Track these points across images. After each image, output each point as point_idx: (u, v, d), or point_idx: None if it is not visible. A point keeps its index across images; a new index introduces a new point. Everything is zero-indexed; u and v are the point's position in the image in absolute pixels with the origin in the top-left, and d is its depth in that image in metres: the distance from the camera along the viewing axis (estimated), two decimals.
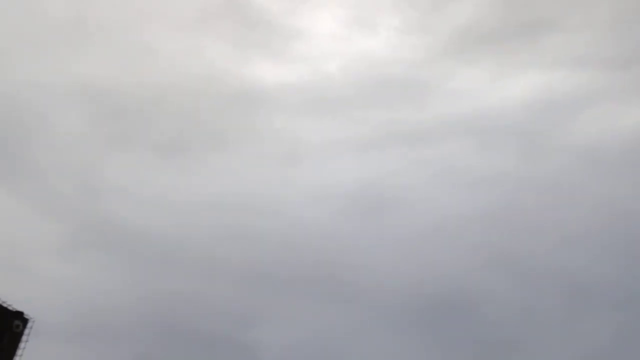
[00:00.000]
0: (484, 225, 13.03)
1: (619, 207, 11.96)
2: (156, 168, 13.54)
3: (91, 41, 14.59)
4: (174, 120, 14.33)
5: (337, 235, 12.96)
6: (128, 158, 13.61)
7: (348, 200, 13.81)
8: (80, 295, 10.68)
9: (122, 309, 10.95)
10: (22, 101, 14.24)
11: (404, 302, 11.69)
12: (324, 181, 14.23)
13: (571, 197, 12.86)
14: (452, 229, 13.12)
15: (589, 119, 13.35)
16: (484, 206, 13.31)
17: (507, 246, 12.52)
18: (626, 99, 12.83)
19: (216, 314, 11.64)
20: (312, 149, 14.39)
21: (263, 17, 14.92)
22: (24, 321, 7.84)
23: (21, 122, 14.22)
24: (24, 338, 7.77)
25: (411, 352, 11.48)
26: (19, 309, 7.66)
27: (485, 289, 11.82)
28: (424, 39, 14.34)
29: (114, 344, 9.83)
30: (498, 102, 13.97)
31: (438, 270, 12.38)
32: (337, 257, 12.59)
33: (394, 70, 14.97)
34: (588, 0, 13.48)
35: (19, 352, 7.60)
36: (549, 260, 12.24)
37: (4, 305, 7.52)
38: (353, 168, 14.28)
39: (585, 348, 10.57)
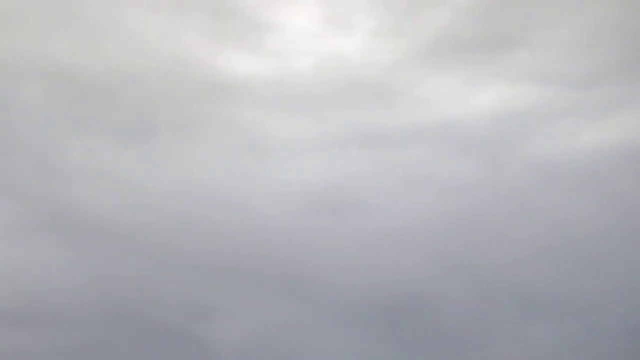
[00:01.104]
0: (445, 232, 12.94)
1: (578, 224, 12.05)
2: (118, 153, 12.78)
3: (58, 17, 13.76)
4: (140, 105, 13.60)
5: (299, 232, 12.55)
6: (90, 141, 12.80)
7: (312, 198, 13.40)
8: (30, 279, 10.11)
9: (74, 294, 10.44)
10: None
11: (362, 303, 11.51)
12: (288, 177, 13.73)
13: (531, 210, 12.93)
14: (413, 234, 12.96)
15: (553, 134, 13.43)
16: (446, 213, 13.22)
17: (467, 255, 12.48)
18: (591, 117, 12.88)
19: (171, 305, 11.22)
20: (279, 145, 13.87)
21: (239, 7, 14.42)
22: None
23: None
24: None
25: (365, 352, 11.41)
26: None
27: (442, 295, 11.78)
28: (397, 44, 14.11)
29: (63, 329, 9.36)
30: (466, 111, 13.85)
31: (397, 274, 12.24)
32: (298, 255, 12.23)
33: (365, 72, 14.65)
34: (559, 19, 13.56)
35: None
36: (505, 272, 12.28)
37: None
38: (319, 166, 13.84)
39: (533, 355, 10.75)
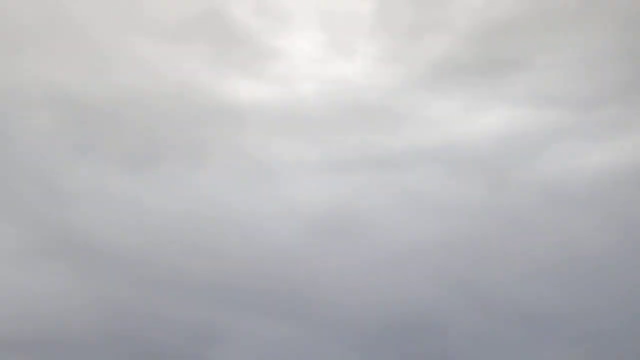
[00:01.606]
0: (449, 252, 13.04)
1: (581, 243, 12.13)
2: (125, 178, 12.93)
3: (65, 44, 14.05)
4: (146, 130, 13.82)
5: (304, 254, 12.65)
6: (97, 166, 12.98)
7: (317, 220, 13.56)
8: (37, 305, 10.09)
9: (79, 320, 10.46)
10: None
11: (368, 324, 11.50)
12: (293, 200, 13.93)
13: (534, 231, 13.03)
14: (418, 255, 13.06)
15: (555, 156, 13.58)
16: (449, 234, 13.34)
17: (470, 275, 12.56)
18: (593, 139, 13.07)
19: (177, 328, 11.25)
20: (284, 168, 14.09)
21: (242, 33, 14.73)
22: None
23: None
24: None
25: None
26: None
27: (447, 315, 11.81)
28: (400, 68, 14.40)
29: (70, 354, 9.35)
30: (468, 134, 14.08)
31: (403, 294, 12.28)
32: (304, 277, 12.31)
33: (368, 96, 14.95)
34: (561, 41, 13.83)
35: None
36: (510, 291, 12.32)
37: None
38: (323, 189, 14.04)
39: None
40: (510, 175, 12.63)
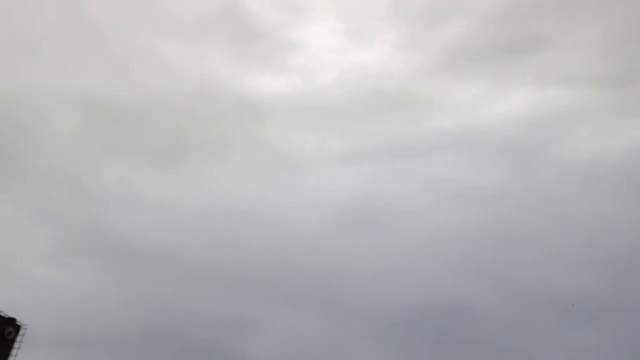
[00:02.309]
0: (474, 237, 13.15)
1: (607, 223, 12.10)
2: (151, 175, 13.56)
3: (90, 47, 14.63)
4: (169, 129, 14.41)
5: (329, 244, 13.02)
6: (124, 165, 13.63)
7: (340, 210, 13.92)
8: (73, 302, 10.67)
9: (114, 316, 10.96)
10: (19, 105, 14.24)
11: (394, 313, 11.75)
12: (317, 191, 14.32)
13: (560, 211, 12.99)
14: (443, 241, 13.23)
15: (579, 136, 13.53)
16: (474, 219, 13.42)
17: (497, 258, 12.64)
18: (616, 117, 12.97)
19: (207, 322, 11.68)
20: (306, 159, 14.49)
21: (261, 28, 15.03)
22: (17, 328, 7.85)
23: (17, 126, 14.21)
24: (16, 345, 7.79)
25: None
26: (12, 315, 7.66)
27: (473, 300, 11.91)
28: (418, 54, 14.49)
29: (105, 350, 9.85)
30: (490, 118, 14.13)
31: (428, 281, 12.45)
32: (330, 267, 12.66)
33: (388, 84, 15.12)
34: (579, 20, 13.66)
35: (10, 359, 7.60)
36: (536, 273, 12.35)
37: None
38: (346, 179, 14.39)
39: (569, 357, 10.73)
40: (536, 158, 12.11)
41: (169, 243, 12.39)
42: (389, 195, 13.55)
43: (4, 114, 13.92)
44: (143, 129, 14.16)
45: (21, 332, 7.55)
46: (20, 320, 7.45)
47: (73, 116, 14.34)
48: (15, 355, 7.40)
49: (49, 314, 9.16)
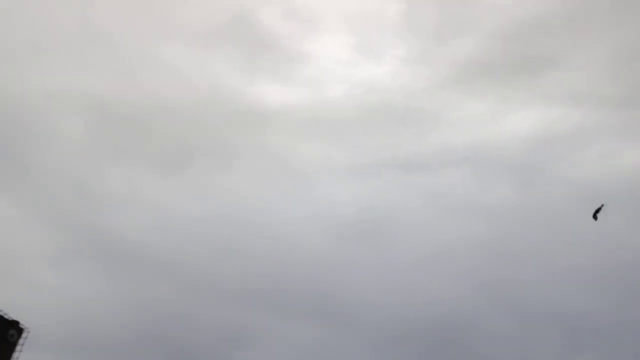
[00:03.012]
0: (477, 252, 13.12)
1: (611, 243, 12.12)
2: (156, 181, 13.51)
3: (99, 52, 14.62)
4: (176, 136, 14.37)
5: (331, 256, 12.98)
6: (129, 170, 13.57)
7: (344, 222, 13.89)
8: (75, 306, 10.57)
9: (115, 320, 10.85)
10: (26, 109, 14.15)
11: (395, 326, 11.70)
12: (321, 202, 14.28)
13: (564, 230, 13.00)
14: (446, 255, 13.19)
15: (585, 155, 13.58)
16: (478, 234, 13.42)
17: (498, 274, 12.61)
18: (622, 138, 13.05)
19: (207, 329, 11.58)
20: (312, 171, 14.47)
21: (271, 39, 15.07)
22: (19, 331, 7.77)
23: (24, 130, 14.13)
24: (18, 348, 7.70)
25: None
26: (14, 317, 7.58)
27: (474, 315, 11.87)
28: (427, 70, 14.57)
29: (106, 354, 9.75)
30: (497, 135, 14.19)
31: (430, 295, 12.41)
32: (332, 278, 12.60)
33: (396, 98, 15.17)
34: (587, 40, 13.78)
35: None
36: (538, 290, 12.32)
37: (0, 314, 7.45)
38: (351, 192, 14.37)
39: None
40: (541, 175, 12.05)
41: (172, 249, 12.36)
42: (394, 209, 13.59)
43: (12, 117, 13.87)
44: (149, 135, 14.16)
45: (24, 334, 7.47)
46: (23, 322, 7.38)
47: (80, 120, 14.32)
48: (17, 358, 7.31)
49: (51, 317, 9.08)
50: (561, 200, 13.27)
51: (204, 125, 14.19)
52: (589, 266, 11.89)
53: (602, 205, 6.99)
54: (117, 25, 14.31)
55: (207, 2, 15.00)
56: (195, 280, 12.09)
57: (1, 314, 7.20)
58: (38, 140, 13.35)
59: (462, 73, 14.39)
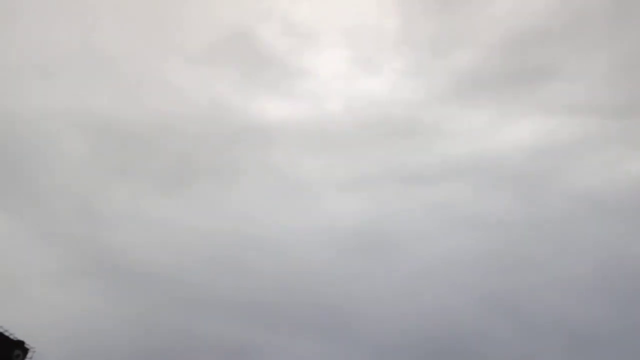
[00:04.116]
0: (479, 264, 13.08)
1: (611, 252, 12.08)
2: (157, 200, 13.53)
3: (100, 71, 14.76)
4: (177, 153, 14.44)
5: (334, 272, 12.94)
6: (130, 188, 13.63)
7: (346, 235, 13.89)
8: (79, 323, 10.55)
9: (120, 337, 10.83)
10: (29, 127, 14.26)
11: (398, 338, 11.64)
12: (323, 216, 14.29)
13: (565, 240, 12.98)
14: (449, 267, 13.18)
15: (584, 165, 13.60)
16: (479, 245, 13.41)
17: (500, 285, 12.57)
18: (620, 147, 13.07)
19: (211, 345, 11.53)
20: (313, 186, 14.51)
21: (270, 54, 15.20)
22: (24, 351, 7.77)
23: (27, 148, 14.20)
24: None
25: None
26: (19, 336, 7.58)
27: (478, 326, 11.81)
28: (425, 83, 14.66)
29: None
30: (496, 146, 14.23)
31: (433, 307, 12.37)
32: (334, 294, 12.56)
33: (395, 111, 15.24)
34: (585, 51, 13.85)
35: None
36: (541, 300, 12.27)
37: (5, 334, 7.46)
38: (353, 207, 14.36)
39: None
40: (541, 186, 12.14)
41: (175, 266, 12.35)
42: (395, 221, 13.58)
43: (15, 136, 13.97)
44: (151, 153, 14.25)
45: (29, 354, 7.46)
46: (27, 342, 7.38)
47: (82, 139, 14.42)
48: None
49: (56, 335, 9.06)
50: (562, 209, 13.32)
51: (206, 142, 14.35)
52: (589, 275, 11.89)
53: None
54: (118, 45, 14.52)
55: (206, 20, 15.20)
56: (198, 296, 12.09)
57: (7, 334, 7.21)
58: (41, 159, 13.43)
59: (461, 85, 14.54)
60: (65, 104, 14.34)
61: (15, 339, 7.27)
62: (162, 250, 13.05)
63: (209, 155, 14.07)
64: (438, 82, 14.36)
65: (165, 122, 13.84)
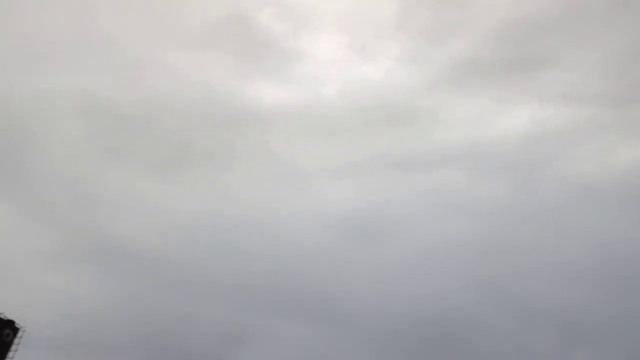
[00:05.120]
0: (473, 250, 13.15)
1: (605, 239, 12.11)
2: (152, 183, 13.57)
3: (93, 54, 14.70)
4: (172, 137, 14.44)
5: (329, 255, 12.99)
6: (124, 172, 13.65)
7: (341, 221, 13.94)
8: (70, 305, 10.62)
9: (111, 319, 10.92)
10: (21, 110, 14.26)
11: (391, 324, 11.72)
12: (318, 201, 14.35)
13: (559, 226, 13.02)
14: (443, 253, 13.23)
15: (579, 153, 13.64)
16: (474, 232, 13.45)
17: (495, 271, 12.65)
18: (615, 136, 13.11)
19: (204, 329, 11.64)
20: (308, 171, 14.51)
21: (266, 38, 15.15)
22: (15, 330, 7.81)
23: (19, 131, 14.22)
24: (13, 347, 7.73)
25: None
26: (10, 317, 7.62)
27: (471, 312, 11.89)
28: (421, 69, 14.62)
29: (102, 354, 9.79)
30: (491, 133, 14.23)
31: (428, 293, 12.43)
32: (329, 280, 12.62)
33: (391, 97, 15.23)
34: (581, 39, 13.80)
35: None
36: (535, 286, 12.36)
37: None
38: (348, 192, 14.40)
39: None
40: (536, 173, 12.13)
41: (169, 249, 12.42)
42: (389, 207, 13.63)
43: (8, 118, 13.96)
44: (147, 136, 14.24)
45: (19, 334, 7.50)
46: (18, 322, 7.42)
47: (77, 121, 14.42)
48: (12, 358, 7.35)
49: (47, 317, 9.12)
50: (555, 197, 13.37)
51: (201, 126, 14.36)
52: (583, 262, 11.97)
53: None
54: (111, 26, 14.44)
55: (202, 2, 15.13)
56: (192, 279, 12.16)
57: None
58: (34, 141, 13.45)
59: (457, 72, 14.50)
60: (58, 87, 14.35)
61: (5, 319, 7.31)
62: (156, 233, 13.14)
63: (205, 139, 14.12)
64: (434, 68, 14.35)
65: (160, 105, 13.88)
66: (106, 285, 11.79)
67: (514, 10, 13.83)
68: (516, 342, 11.32)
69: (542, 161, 13.86)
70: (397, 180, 14.00)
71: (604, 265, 11.86)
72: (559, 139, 13.83)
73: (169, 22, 15.21)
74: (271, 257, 12.91)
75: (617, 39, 13.15)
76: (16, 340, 7.40)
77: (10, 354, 7.36)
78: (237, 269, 12.68)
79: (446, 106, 13.98)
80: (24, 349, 7.07)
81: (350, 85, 14.67)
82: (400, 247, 13.06)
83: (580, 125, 13.68)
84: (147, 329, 11.08)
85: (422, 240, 13.09)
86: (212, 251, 12.96)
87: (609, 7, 13.31)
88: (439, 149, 13.83)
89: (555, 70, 13.85)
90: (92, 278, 11.88)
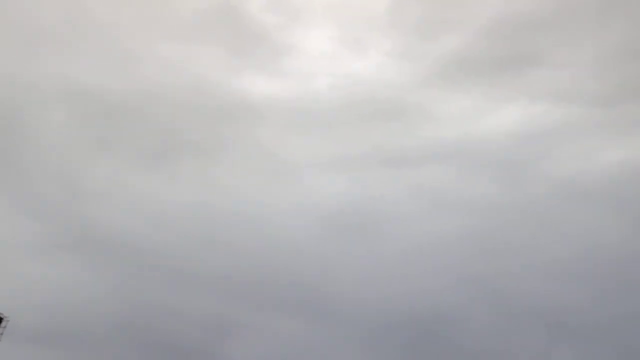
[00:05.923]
0: (461, 247, 13.22)
1: (592, 239, 12.23)
2: (140, 174, 13.49)
3: (82, 44, 14.55)
4: (161, 128, 14.37)
5: (316, 251, 13.03)
6: (112, 163, 13.56)
7: (329, 215, 13.94)
8: (56, 297, 10.54)
9: (97, 313, 10.85)
10: (9, 101, 14.11)
11: (379, 319, 11.75)
12: (307, 195, 14.35)
13: (547, 225, 13.14)
14: (431, 249, 13.30)
15: (568, 151, 13.74)
16: (462, 229, 13.52)
17: (482, 268, 12.75)
18: (605, 135, 13.23)
19: (191, 321, 11.60)
20: (296, 164, 14.50)
21: (257, 30, 15.09)
22: None
23: (7, 121, 14.08)
24: None
25: None
26: None
27: (458, 309, 11.98)
28: (411, 65, 14.64)
29: (87, 345, 9.76)
30: (481, 130, 14.31)
31: (415, 289, 12.51)
32: (316, 274, 12.65)
33: (381, 92, 15.23)
34: (572, 38, 13.88)
35: None
36: (521, 284, 12.47)
37: None
38: (335, 186, 14.42)
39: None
40: (524, 171, 12.25)
41: (157, 240, 12.36)
42: (378, 203, 13.65)
43: None
44: (136, 127, 14.15)
45: (3, 324, 7.47)
46: (3, 312, 7.39)
47: (65, 112, 14.30)
48: None
49: (33, 307, 9.08)
50: (544, 195, 13.47)
51: (191, 118, 14.28)
52: (570, 261, 12.10)
53: None
54: (100, 15, 14.30)
55: None
56: (180, 271, 12.13)
57: None
58: (22, 131, 13.34)
59: (447, 69, 14.55)
60: (45, 76, 14.21)
61: None
62: (145, 224, 13.07)
63: (194, 131, 14.06)
64: (425, 65, 14.38)
65: (150, 96, 13.79)
66: (93, 276, 11.76)
67: (505, 8, 13.94)
68: (504, 340, 11.44)
69: (532, 159, 14.03)
70: (386, 176, 14.07)
71: (592, 264, 12.00)
72: (549, 137, 13.99)
73: (160, 13, 15.15)
74: (259, 249, 12.95)
75: (607, 38, 13.28)
76: (0, 330, 7.37)
77: None
78: (225, 261, 12.70)
79: (436, 103, 14.10)
80: (7, 339, 7.04)
81: (341, 80, 14.74)
82: (388, 243, 13.14)
83: (569, 124, 13.86)
84: (134, 320, 11.07)
85: (410, 235, 13.19)
86: (201, 243, 12.99)
87: (600, 6, 13.42)
88: (428, 146, 13.92)
89: (546, 68, 14.00)
90: (79, 269, 11.84)
